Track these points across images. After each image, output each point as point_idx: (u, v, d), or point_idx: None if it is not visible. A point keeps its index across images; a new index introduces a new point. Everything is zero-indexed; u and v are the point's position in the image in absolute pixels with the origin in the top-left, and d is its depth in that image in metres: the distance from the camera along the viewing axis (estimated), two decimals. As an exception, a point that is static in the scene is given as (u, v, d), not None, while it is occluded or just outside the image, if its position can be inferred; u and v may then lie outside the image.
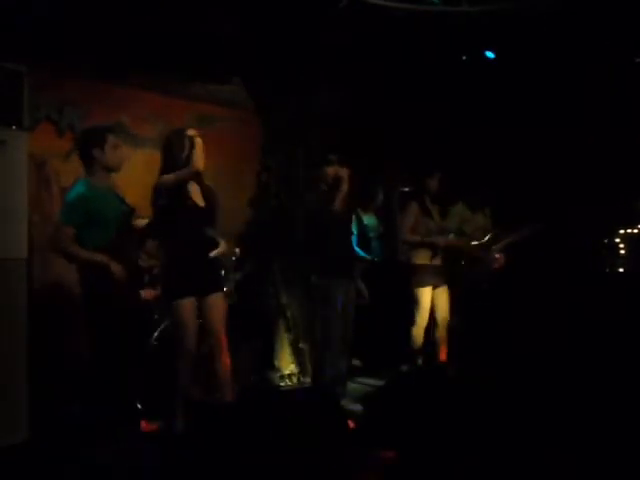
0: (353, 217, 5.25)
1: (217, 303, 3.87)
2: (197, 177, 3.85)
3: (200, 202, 3.85)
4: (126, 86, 5.12)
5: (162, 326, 4.45)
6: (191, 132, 3.84)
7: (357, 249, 5.75)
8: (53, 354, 4.42)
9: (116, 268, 3.56)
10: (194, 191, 3.85)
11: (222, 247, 3.85)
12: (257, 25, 5.05)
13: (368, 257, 5.91)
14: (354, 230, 5.42)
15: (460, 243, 5.48)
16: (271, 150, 5.67)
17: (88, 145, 3.72)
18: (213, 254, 3.78)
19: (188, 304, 3.74)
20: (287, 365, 5.53)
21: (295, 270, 5.42)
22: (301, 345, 5.58)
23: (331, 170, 4.65)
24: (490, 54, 6.18)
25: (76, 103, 4.89)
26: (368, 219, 6.08)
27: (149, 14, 4.60)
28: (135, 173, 4.47)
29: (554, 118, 6.70)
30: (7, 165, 3.48)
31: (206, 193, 3.90)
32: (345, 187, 4.55)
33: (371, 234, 6.07)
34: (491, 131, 6.75)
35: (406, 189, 7.25)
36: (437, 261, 5.28)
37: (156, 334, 4.43)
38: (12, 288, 3.47)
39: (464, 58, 6.27)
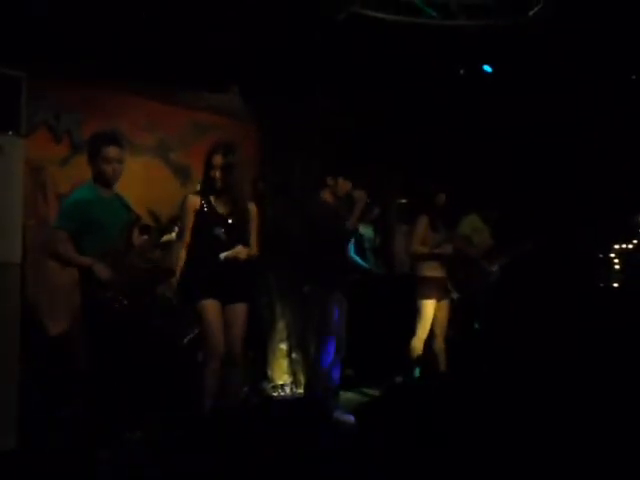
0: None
1: (238, 313, 3.87)
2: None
3: (222, 210, 3.89)
4: (124, 93, 5.13)
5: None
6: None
7: (355, 257, 5.77)
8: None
9: (101, 271, 3.49)
10: (219, 200, 3.90)
11: (237, 250, 3.82)
12: (256, 36, 5.08)
13: (366, 266, 5.93)
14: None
15: (465, 248, 5.54)
16: (268, 159, 5.69)
17: (88, 153, 3.73)
18: (223, 255, 3.77)
19: (210, 304, 3.75)
20: (280, 375, 5.51)
21: (290, 280, 5.42)
22: (294, 355, 5.56)
23: (343, 184, 4.67)
24: (487, 68, 6.22)
25: (74, 110, 4.89)
26: (364, 230, 6.08)
27: (148, 23, 4.63)
28: (132, 181, 4.46)
29: (550, 135, 6.75)
30: (4, 171, 3.49)
31: (233, 202, 3.92)
32: (360, 208, 4.63)
33: (366, 245, 6.08)
34: (487, 147, 6.79)
35: (403, 201, 7.28)
36: (442, 274, 5.31)
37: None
38: (6, 292, 3.46)
39: (461, 72, 6.31)
